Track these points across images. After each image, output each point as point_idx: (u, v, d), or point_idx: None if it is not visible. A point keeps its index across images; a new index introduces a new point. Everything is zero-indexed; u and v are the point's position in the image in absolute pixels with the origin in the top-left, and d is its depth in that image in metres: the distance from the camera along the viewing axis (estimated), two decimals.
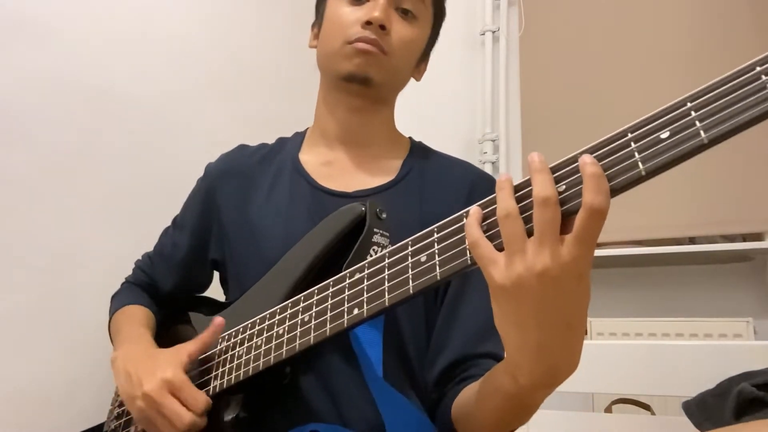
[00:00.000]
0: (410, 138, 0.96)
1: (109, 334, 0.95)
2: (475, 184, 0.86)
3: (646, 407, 1.40)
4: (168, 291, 0.97)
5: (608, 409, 1.44)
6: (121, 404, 0.89)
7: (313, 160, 0.90)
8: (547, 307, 0.48)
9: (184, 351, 0.72)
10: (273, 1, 1.78)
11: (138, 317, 0.92)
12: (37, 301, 1.14)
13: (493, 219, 0.51)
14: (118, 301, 0.98)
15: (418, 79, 0.95)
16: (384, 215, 0.73)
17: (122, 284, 1.03)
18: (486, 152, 2.04)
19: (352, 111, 0.88)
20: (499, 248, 0.50)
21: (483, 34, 2.13)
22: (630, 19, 1.90)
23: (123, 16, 1.37)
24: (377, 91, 0.85)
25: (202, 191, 0.95)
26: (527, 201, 0.49)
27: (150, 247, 1.04)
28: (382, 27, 0.81)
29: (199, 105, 1.54)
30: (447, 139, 2.10)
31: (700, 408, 0.94)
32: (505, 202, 0.49)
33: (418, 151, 0.92)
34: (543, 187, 0.47)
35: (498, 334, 0.77)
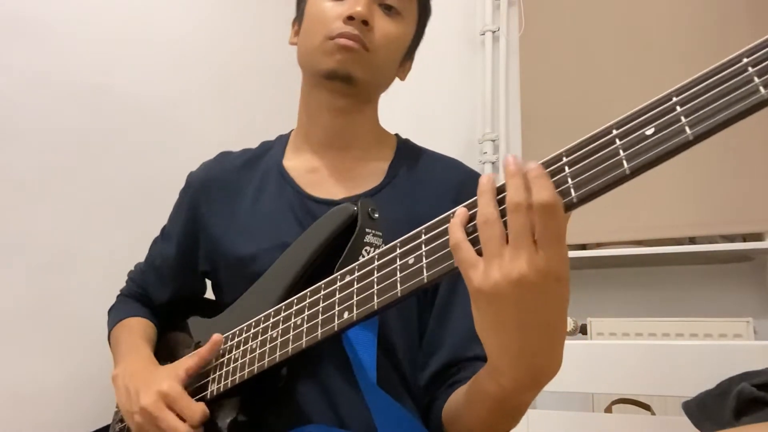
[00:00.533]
0: (396, 135, 0.94)
1: (110, 348, 0.95)
2: (464, 184, 0.84)
3: (646, 407, 1.40)
4: (162, 302, 0.97)
5: (608, 409, 1.44)
6: None
7: (298, 166, 0.88)
8: (524, 311, 0.48)
9: (182, 366, 0.73)
10: (273, 2, 1.78)
11: (136, 330, 0.91)
12: (37, 301, 1.14)
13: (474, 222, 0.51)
14: (114, 316, 0.97)
15: (402, 78, 0.91)
16: (376, 215, 0.73)
17: (117, 297, 1.03)
18: (486, 152, 2.04)
19: (335, 113, 0.85)
20: (481, 252, 0.50)
21: (483, 34, 2.13)
22: (630, 18, 1.89)
23: (123, 16, 1.37)
24: (360, 89, 0.82)
25: (186, 202, 0.94)
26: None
27: (147, 247, 1.04)
28: (365, 22, 0.78)
29: (199, 105, 1.54)
30: (447, 139, 2.10)
31: (700, 408, 0.94)
32: (484, 208, 0.49)
33: (404, 151, 0.90)
34: (515, 193, 0.47)
35: None
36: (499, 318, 0.49)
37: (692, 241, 1.73)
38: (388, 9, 0.82)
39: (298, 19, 0.89)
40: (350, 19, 0.78)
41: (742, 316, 1.57)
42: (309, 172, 0.87)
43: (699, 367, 1.00)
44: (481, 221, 0.49)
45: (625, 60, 1.86)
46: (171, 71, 1.47)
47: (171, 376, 0.72)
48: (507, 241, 0.48)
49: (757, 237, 1.64)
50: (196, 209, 0.91)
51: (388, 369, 0.76)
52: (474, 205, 0.52)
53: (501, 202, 0.49)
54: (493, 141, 2.05)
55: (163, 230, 0.99)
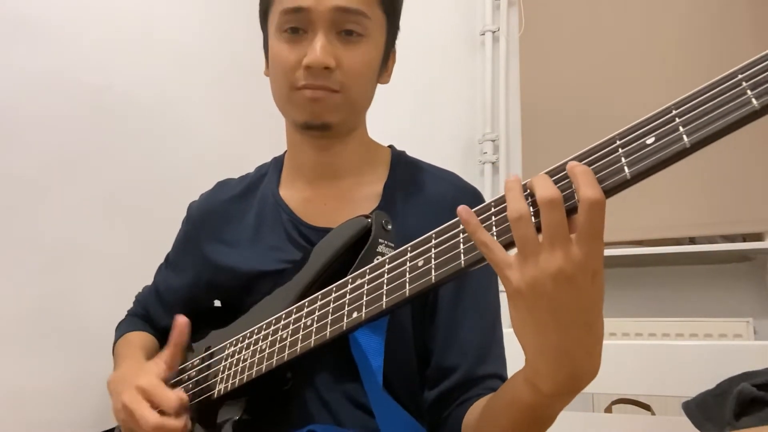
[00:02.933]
0: (391, 148, 0.92)
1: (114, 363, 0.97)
2: (457, 202, 0.80)
3: (646, 407, 1.40)
4: (165, 327, 0.96)
5: (608, 409, 1.44)
6: None
7: (294, 196, 0.87)
8: (563, 307, 0.48)
9: (159, 359, 0.74)
10: None
11: (134, 342, 0.93)
12: (39, 301, 1.14)
13: (493, 220, 0.52)
14: (120, 331, 0.99)
15: (386, 82, 0.88)
16: (390, 227, 0.73)
17: (126, 315, 1.04)
18: (486, 152, 2.04)
19: (321, 150, 0.84)
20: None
21: (483, 34, 2.13)
22: (630, 18, 1.89)
23: (123, 16, 1.37)
24: (340, 128, 0.81)
25: (188, 236, 0.94)
26: (528, 202, 0.50)
27: (148, 247, 1.04)
28: (326, 67, 0.75)
29: (199, 105, 1.54)
30: (447, 139, 2.10)
31: (700, 408, 0.94)
32: (516, 203, 0.49)
33: (399, 168, 0.88)
34: (547, 189, 0.48)
35: (498, 354, 0.76)
36: (537, 316, 0.49)
37: (692, 241, 1.73)
38: (349, 34, 0.77)
39: (265, 49, 0.87)
40: (310, 67, 0.75)
41: (742, 316, 1.58)
42: (305, 201, 0.86)
43: (699, 367, 1.00)
44: (514, 217, 0.49)
45: (624, 59, 1.87)
46: (171, 72, 1.47)
47: (149, 371, 0.73)
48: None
49: (757, 237, 1.64)
50: (198, 241, 0.91)
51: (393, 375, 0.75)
52: (484, 210, 0.54)
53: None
54: (493, 141, 2.05)
55: (168, 258, 0.99)
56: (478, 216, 0.53)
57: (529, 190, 0.50)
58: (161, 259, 1.01)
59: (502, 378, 0.76)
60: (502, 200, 0.53)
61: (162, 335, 0.97)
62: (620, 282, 1.82)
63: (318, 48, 0.74)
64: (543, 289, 0.47)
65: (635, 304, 1.79)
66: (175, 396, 0.68)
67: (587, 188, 0.46)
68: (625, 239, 1.76)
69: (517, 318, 0.51)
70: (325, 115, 0.77)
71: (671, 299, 1.77)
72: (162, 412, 0.68)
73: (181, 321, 0.75)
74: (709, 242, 1.69)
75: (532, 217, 0.49)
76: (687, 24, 1.81)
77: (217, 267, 0.87)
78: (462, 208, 0.53)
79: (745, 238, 1.68)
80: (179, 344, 0.75)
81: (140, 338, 0.95)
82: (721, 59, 1.69)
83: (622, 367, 1.07)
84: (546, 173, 0.50)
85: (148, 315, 1.00)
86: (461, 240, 0.55)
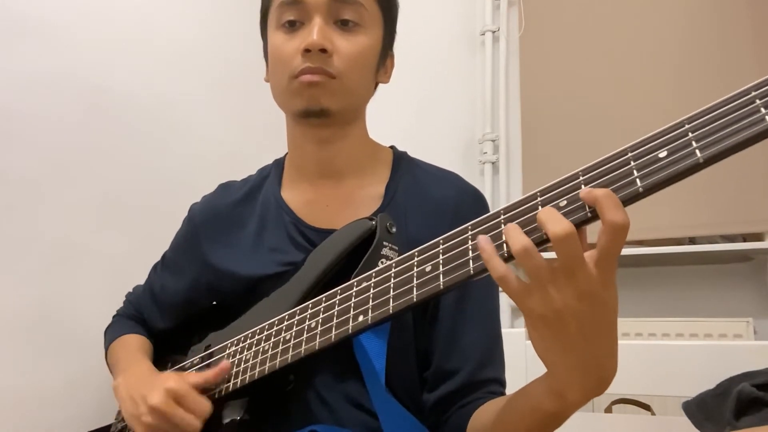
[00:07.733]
0: (392, 149, 0.92)
1: (108, 367, 0.96)
2: (459, 203, 0.83)
3: (646, 407, 1.40)
4: (159, 329, 0.97)
5: (608, 409, 1.44)
6: None
7: (296, 198, 0.87)
8: (589, 322, 0.49)
9: (187, 378, 0.73)
10: None
11: (133, 345, 0.92)
12: (37, 302, 1.14)
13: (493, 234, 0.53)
14: (111, 334, 0.98)
15: (385, 81, 0.89)
16: (394, 229, 0.74)
17: (114, 317, 1.03)
18: (486, 152, 2.04)
19: (321, 144, 0.84)
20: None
21: (483, 34, 2.13)
22: (630, 18, 1.89)
23: (124, 16, 1.37)
24: (339, 117, 0.80)
25: (188, 237, 0.93)
26: (531, 214, 0.51)
27: (148, 247, 1.04)
28: (323, 50, 0.76)
29: (199, 105, 1.54)
30: (447, 139, 2.10)
31: (700, 408, 0.94)
32: (517, 238, 0.49)
33: (400, 168, 0.88)
34: (560, 225, 0.47)
35: (499, 358, 0.77)
36: (566, 337, 0.50)
37: (692, 241, 1.73)
38: (345, 23, 0.79)
39: (265, 57, 0.88)
40: (308, 51, 0.76)
41: (742, 316, 1.58)
42: (307, 203, 0.86)
43: (699, 367, 1.01)
44: (519, 250, 0.49)
45: (624, 60, 1.87)
46: (171, 72, 1.47)
47: (176, 376, 0.73)
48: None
49: (757, 237, 1.64)
50: (198, 243, 0.91)
51: (396, 377, 0.76)
52: (483, 223, 0.55)
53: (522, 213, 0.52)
54: (493, 141, 2.05)
55: (165, 258, 0.99)
56: (486, 233, 0.53)
57: (533, 224, 0.51)
58: None
59: (502, 382, 0.77)
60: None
61: (157, 338, 0.97)
62: (620, 282, 1.80)
63: (315, 31, 0.76)
64: (569, 311, 0.48)
65: (635, 304, 1.79)
66: (207, 404, 0.69)
67: (614, 212, 0.46)
68: (626, 239, 1.76)
69: (542, 342, 0.52)
70: (323, 99, 0.77)
71: (671, 299, 1.77)
72: None
73: (225, 366, 0.74)
74: (709, 242, 1.69)
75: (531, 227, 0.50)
76: (687, 24, 1.80)
77: (218, 271, 0.87)
78: (482, 239, 0.53)
79: (745, 238, 1.68)
80: (211, 382, 0.74)
81: (137, 341, 0.94)
82: (721, 59, 1.69)
83: (622, 367, 1.06)
84: (550, 185, 0.51)
85: (142, 317, 0.99)
86: (470, 247, 0.55)
